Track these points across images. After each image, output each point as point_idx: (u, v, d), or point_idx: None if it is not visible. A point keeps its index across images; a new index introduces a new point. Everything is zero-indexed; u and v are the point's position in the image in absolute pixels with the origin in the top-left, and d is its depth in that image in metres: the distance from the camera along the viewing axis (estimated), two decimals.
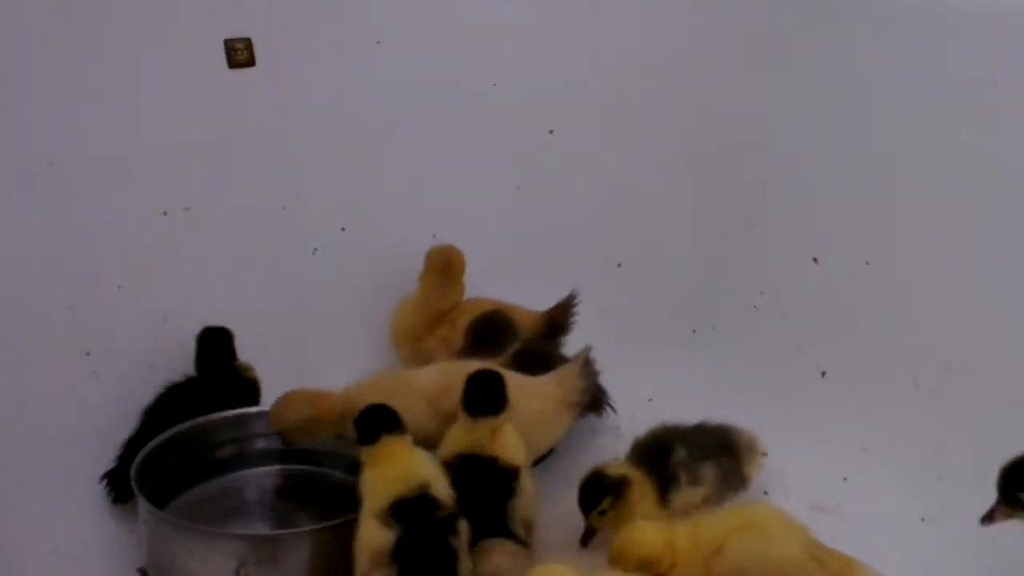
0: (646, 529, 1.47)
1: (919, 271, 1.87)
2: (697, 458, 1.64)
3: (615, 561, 1.46)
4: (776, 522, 1.46)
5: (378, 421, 1.44)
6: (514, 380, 1.65)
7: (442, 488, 1.41)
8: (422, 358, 1.95)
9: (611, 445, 1.71)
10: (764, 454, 1.72)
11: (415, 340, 2.00)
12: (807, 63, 2.01)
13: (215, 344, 1.82)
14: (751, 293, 2.06)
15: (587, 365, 1.72)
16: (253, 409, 1.76)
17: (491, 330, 1.86)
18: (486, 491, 1.48)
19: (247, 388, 1.81)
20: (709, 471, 1.65)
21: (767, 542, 1.43)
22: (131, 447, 1.68)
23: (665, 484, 1.61)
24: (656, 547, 1.45)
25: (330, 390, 1.63)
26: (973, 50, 1.83)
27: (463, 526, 1.40)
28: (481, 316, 1.88)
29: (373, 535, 1.36)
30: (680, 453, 1.64)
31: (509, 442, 1.52)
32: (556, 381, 1.70)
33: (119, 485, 1.67)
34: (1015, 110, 1.79)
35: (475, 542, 1.43)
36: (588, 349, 1.74)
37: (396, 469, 1.41)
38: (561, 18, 2.21)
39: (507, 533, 1.47)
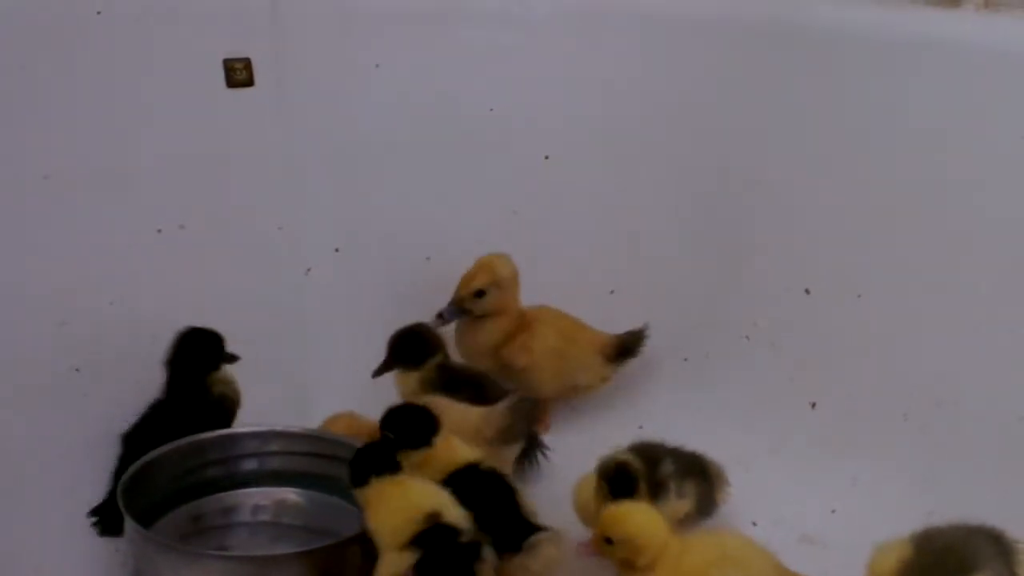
0: (652, 515, 1.40)
1: (911, 305, 1.87)
2: (682, 474, 1.64)
3: (602, 526, 1.39)
4: (749, 551, 1.44)
5: (369, 464, 1.39)
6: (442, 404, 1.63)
7: (455, 514, 1.36)
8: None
9: None
10: (729, 484, 1.72)
11: None
12: (803, 97, 2.01)
13: (197, 350, 1.72)
14: (743, 323, 2.06)
15: (518, 408, 1.65)
16: (242, 429, 1.74)
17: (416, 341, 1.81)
18: (489, 498, 1.45)
19: (214, 408, 1.72)
20: (690, 489, 1.65)
21: (746, 573, 1.41)
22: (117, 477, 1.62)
23: (654, 493, 1.57)
24: (655, 537, 1.37)
25: None
26: (972, 87, 1.84)
27: (488, 553, 1.35)
28: (405, 330, 1.82)
29: (391, 564, 1.32)
30: (668, 466, 1.62)
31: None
32: (483, 415, 1.65)
33: (107, 519, 1.62)
34: (1008, 147, 1.80)
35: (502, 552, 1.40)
36: (528, 399, 1.68)
37: (396, 514, 1.34)
38: (559, 44, 2.22)
39: (532, 528, 1.44)
